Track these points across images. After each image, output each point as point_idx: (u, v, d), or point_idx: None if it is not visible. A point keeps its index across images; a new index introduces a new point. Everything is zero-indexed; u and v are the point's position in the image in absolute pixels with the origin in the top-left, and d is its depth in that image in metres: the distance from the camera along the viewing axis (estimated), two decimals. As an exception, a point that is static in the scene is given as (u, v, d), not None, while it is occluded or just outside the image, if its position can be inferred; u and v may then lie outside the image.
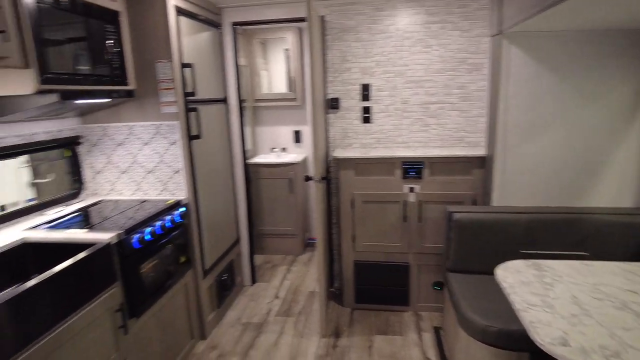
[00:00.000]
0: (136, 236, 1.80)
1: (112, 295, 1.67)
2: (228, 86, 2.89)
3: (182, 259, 2.22)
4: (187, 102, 2.27)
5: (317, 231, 2.39)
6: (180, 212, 2.18)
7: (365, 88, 2.76)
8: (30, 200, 4.74)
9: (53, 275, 1.38)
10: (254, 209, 3.67)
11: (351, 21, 2.69)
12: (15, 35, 1.48)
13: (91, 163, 2.38)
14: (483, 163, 2.51)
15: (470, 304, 1.91)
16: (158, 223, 1.97)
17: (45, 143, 2.09)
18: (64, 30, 1.71)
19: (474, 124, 2.69)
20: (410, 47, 2.67)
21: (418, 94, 2.73)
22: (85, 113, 2.31)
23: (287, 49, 3.78)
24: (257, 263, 3.60)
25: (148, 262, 1.90)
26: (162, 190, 2.34)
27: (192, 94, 2.32)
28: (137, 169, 2.33)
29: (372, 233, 2.69)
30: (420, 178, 2.57)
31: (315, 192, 2.27)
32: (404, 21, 2.64)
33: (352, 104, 2.81)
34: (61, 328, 1.41)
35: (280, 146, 3.93)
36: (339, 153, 2.67)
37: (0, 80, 1.58)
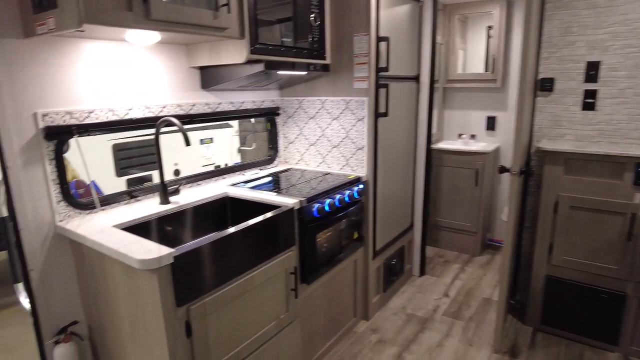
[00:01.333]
0: (316, 205, 1.84)
1: (289, 257, 1.75)
2: (422, 64, 2.72)
3: (355, 236, 2.21)
4: (378, 78, 2.21)
5: (506, 233, 2.06)
6: (359, 188, 2.16)
7: (593, 66, 2.22)
8: (236, 163, 5.56)
9: (246, 227, 1.50)
10: (431, 198, 3.46)
11: (585, -17, 2.18)
12: (236, 8, 1.63)
13: (285, 133, 2.56)
14: None
15: None
16: (337, 196, 1.98)
17: (251, 111, 2.32)
18: (274, 4, 1.81)
19: None
20: (672, 12, 2.01)
21: (675, 75, 2.05)
22: (284, 86, 2.48)
23: (490, 26, 3.37)
24: (428, 255, 3.40)
25: (324, 232, 1.93)
26: (344, 165, 2.36)
27: (385, 69, 2.24)
28: (324, 142, 2.40)
29: (578, 247, 2.18)
30: (662, 187, 1.95)
31: (509, 187, 1.94)
32: (667, -22, 1.99)
33: (570, 86, 2.30)
34: (246, 277, 1.53)
35: (470, 132, 3.58)
36: (546, 144, 2.23)
37: (221, 49, 1.78)
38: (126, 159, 3.91)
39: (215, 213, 1.91)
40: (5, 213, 1.58)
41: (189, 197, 1.87)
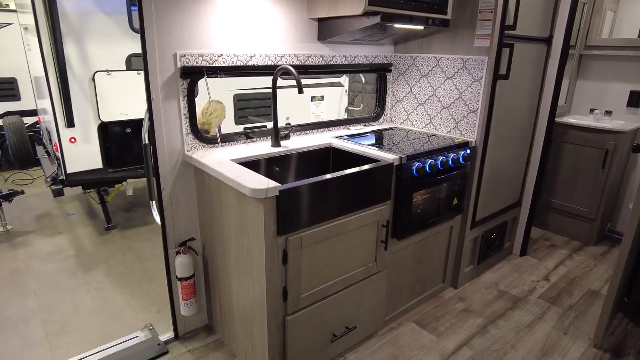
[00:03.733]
0: (417, 164, 1.83)
1: (383, 211, 1.79)
2: (556, 25, 2.43)
3: (455, 202, 2.16)
4: (502, 37, 2.04)
5: (629, 221, 1.83)
6: (465, 154, 2.08)
7: None
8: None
9: (345, 176, 1.57)
10: (546, 175, 3.17)
11: None
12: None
13: (395, 91, 2.54)
14: None
15: None
16: (441, 158, 1.94)
17: (363, 66, 2.33)
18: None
19: None
20: None
21: None
22: (399, 42, 2.43)
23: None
24: (532, 236, 3.17)
25: (421, 193, 1.92)
26: (452, 129, 2.28)
27: (512, 27, 2.06)
28: (434, 103, 2.33)
29: None
30: None
31: (645, 169, 1.70)
32: None
33: None
34: (341, 221, 1.62)
35: (605, 108, 3.15)
36: None
37: (340, 0, 1.80)
38: (244, 109, 4.24)
39: (319, 161, 2.02)
40: (147, 141, 1.87)
41: (297, 143, 1.99)
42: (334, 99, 5.47)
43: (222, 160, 1.68)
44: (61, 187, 3.35)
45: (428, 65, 2.32)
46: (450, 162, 1.99)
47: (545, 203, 3.25)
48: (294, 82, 4.89)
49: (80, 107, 2.98)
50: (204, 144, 1.85)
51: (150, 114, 1.67)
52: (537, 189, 2.72)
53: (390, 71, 2.51)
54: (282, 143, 1.96)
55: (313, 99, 5.25)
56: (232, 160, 1.69)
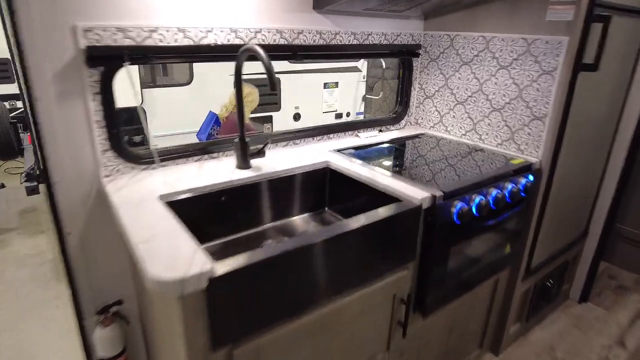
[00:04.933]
0: (459, 205, 1.17)
1: (401, 279, 1.14)
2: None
3: (507, 250, 1.49)
4: (592, 7, 1.33)
5: None
6: (527, 181, 1.40)
7: None
8: (358, 113, 4.95)
9: (338, 235, 0.92)
10: (623, 197, 2.45)
11: None
12: None
13: (423, 83, 1.85)
14: None
15: None
16: (494, 193, 1.27)
17: (379, 48, 1.65)
18: None
19: None
20: None
21: None
22: (430, 14, 1.73)
23: None
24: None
25: (462, 245, 1.27)
26: (505, 140, 1.59)
27: (610, -10, 1.35)
28: (480, 101, 1.64)
29: None
30: None
31: None
32: None
33: None
34: (333, 307, 0.99)
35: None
36: None
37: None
38: None
39: (309, 191, 1.37)
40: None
41: (277, 161, 1.35)
42: (349, 86, 4.76)
43: (143, 196, 1.06)
44: (36, 183, 2.94)
45: (472, 48, 1.62)
46: (507, 197, 1.32)
47: (617, 230, 2.53)
48: (305, 66, 4.27)
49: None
50: (133, 164, 1.23)
51: (35, 120, 1.05)
52: (611, 215, 2.02)
53: (417, 55, 1.81)
54: (253, 162, 1.32)
55: (326, 85, 4.55)
56: (162, 197, 1.07)
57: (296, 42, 1.41)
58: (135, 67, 3.04)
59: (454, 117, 1.75)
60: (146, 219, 0.94)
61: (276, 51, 1.38)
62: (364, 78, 4.85)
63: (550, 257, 1.81)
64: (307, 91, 4.42)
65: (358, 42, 1.58)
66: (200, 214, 1.14)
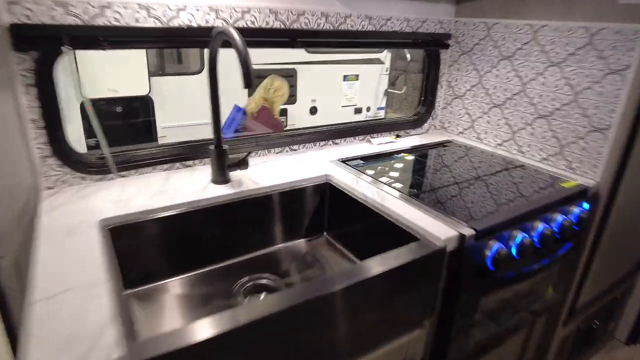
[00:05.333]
0: (494, 247, 0.88)
1: (413, 341, 0.87)
2: None
3: (549, 293, 1.19)
4: (682, -14, 1.01)
5: None
6: (581, 210, 1.09)
7: None
8: (379, 108, 4.62)
9: (326, 295, 0.66)
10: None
11: None
12: None
13: (452, 80, 1.55)
14: None
15: None
16: (539, 228, 0.97)
17: (399, 36, 1.36)
18: None
19: None
20: None
21: None
22: (466, -2, 1.43)
23: None
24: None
25: (494, 295, 0.98)
26: (551, 155, 1.28)
27: None
28: (523, 105, 1.34)
29: None
30: None
31: None
32: None
33: None
34: (311, 388, 0.72)
35: None
36: None
37: None
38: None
39: (302, 211, 1.11)
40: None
41: (265, 173, 1.09)
42: (371, 79, 4.44)
43: (81, 221, 0.81)
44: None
45: (515, 40, 1.31)
46: (556, 232, 1.02)
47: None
48: (323, 57, 3.98)
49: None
50: (84, 174, 0.99)
51: (-54, 119, 0.81)
52: (671, 245, 1.68)
53: (446, 46, 1.51)
54: (233, 175, 1.06)
55: (345, 77, 4.25)
56: (104, 222, 0.82)
57: (295, 25, 1.14)
58: (142, 52, 2.82)
59: (488, 122, 1.45)
60: (66, 259, 0.70)
61: (269, 36, 1.11)
62: (386, 71, 4.53)
63: (599, 295, 1.50)
64: (325, 84, 4.14)
65: (374, 29, 1.29)
66: (153, 244, 0.89)
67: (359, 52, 4.11)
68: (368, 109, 4.42)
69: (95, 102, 2.86)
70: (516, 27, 1.30)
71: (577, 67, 1.17)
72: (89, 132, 2.33)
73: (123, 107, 2.98)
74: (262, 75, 3.51)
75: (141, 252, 0.88)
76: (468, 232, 0.83)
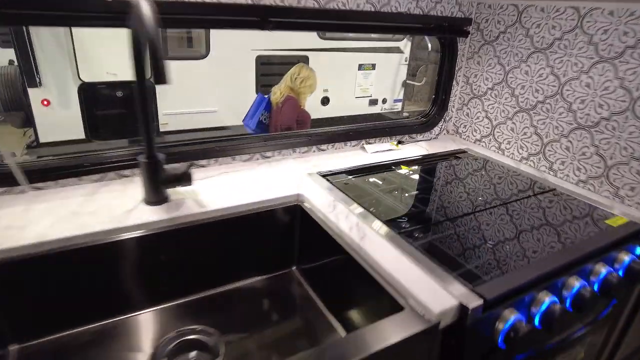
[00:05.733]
0: (511, 319, 0.62)
1: None
2: None
3: (579, 357, 0.93)
4: None
5: None
6: (632, 259, 0.82)
7: None
8: (396, 100, 4.31)
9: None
10: None
11: None
12: None
13: (470, 76, 1.27)
14: None
15: None
16: (576, 284, 0.71)
17: (406, 20, 1.08)
18: None
19: None
20: None
21: None
22: (496, -27, 1.14)
23: None
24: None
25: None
26: (592, 178, 1.00)
27: None
28: (558, 111, 1.05)
29: None
30: None
31: None
32: None
33: None
34: None
35: None
36: None
37: None
38: (268, 76, 3.15)
39: (263, 239, 0.87)
40: None
41: (219, 190, 0.85)
42: (388, 69, 4.13)
43: None
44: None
45: (554, 27, 1.03)
46: (596, 289, 0.75)
47: None
48: (338, 44, 3.69)
49: (51, 61, 2.41)
50: (-18, 187, 0.77)
51: None
52: None
53: (465, 34, 1.23)
54: (174, 193, 0.83)
55: (361, 67, 3.95)
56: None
57: (266, 1, 0.89)
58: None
59: (512, 129, 1.17)
60: None
61: (230, 14, 0.86)
62: (405, 60, 4.21)
63: (636, 350, 1.22)
64: (338, 72, 3.86)
65: (372, 9, 1.02)
66: (49, 286, 0.67)
67: (374, 39, 3.81)
68: (384, 101, 4.13)
69: (95, 86, 2.72)
70: (556, 11, 1.02)
71: (638, 64, 0.89)
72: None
73: (123, 91, 2.84)
74: (272, 62, 3.26)
75: (30, 296, 0.66)
76: (473, 302, 0.58)
